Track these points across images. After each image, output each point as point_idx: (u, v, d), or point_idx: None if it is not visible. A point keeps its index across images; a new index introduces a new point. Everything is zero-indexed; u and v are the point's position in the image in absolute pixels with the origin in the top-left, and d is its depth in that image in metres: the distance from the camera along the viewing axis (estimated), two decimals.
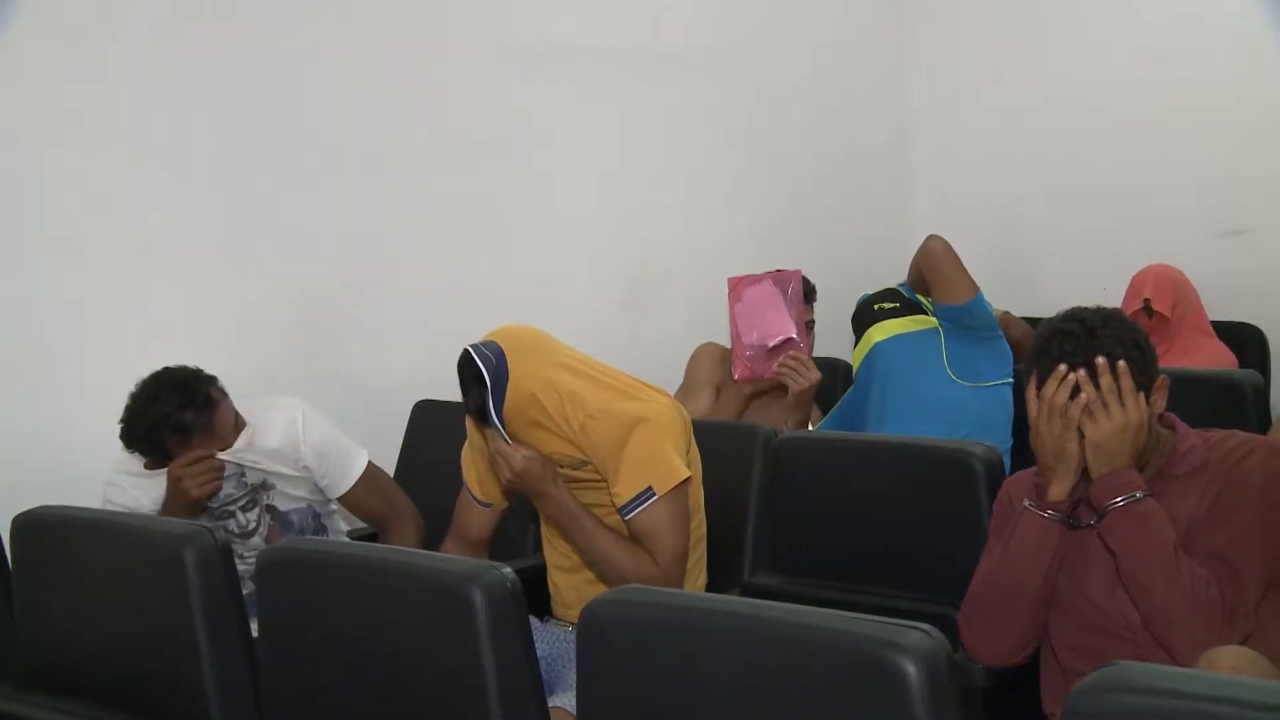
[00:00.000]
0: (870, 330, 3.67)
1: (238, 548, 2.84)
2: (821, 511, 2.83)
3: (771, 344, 3.57)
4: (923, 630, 1.54)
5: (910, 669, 1.50)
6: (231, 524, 2.91)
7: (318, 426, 2.97)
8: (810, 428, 3.65)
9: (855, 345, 3.78)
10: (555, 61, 3.99)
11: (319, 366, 3.45)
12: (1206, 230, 4.52)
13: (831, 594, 2.68)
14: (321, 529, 3.00)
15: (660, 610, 1.75)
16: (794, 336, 3.57)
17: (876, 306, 3.69)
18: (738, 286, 3.66)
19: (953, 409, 3.49)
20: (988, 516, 2.43)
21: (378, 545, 2.84)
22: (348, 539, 3.10)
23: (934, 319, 3.64)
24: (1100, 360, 2.14)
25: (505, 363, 2.56)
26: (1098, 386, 2.14)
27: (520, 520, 3.05)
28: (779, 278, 3.64)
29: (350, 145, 3.55)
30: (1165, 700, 1.36)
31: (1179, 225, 4.57)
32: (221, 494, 2.89)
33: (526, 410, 2.56)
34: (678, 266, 4.29)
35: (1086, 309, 2.24)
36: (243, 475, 2.92)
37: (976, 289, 3.57)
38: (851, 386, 3.79)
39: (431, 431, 3.42)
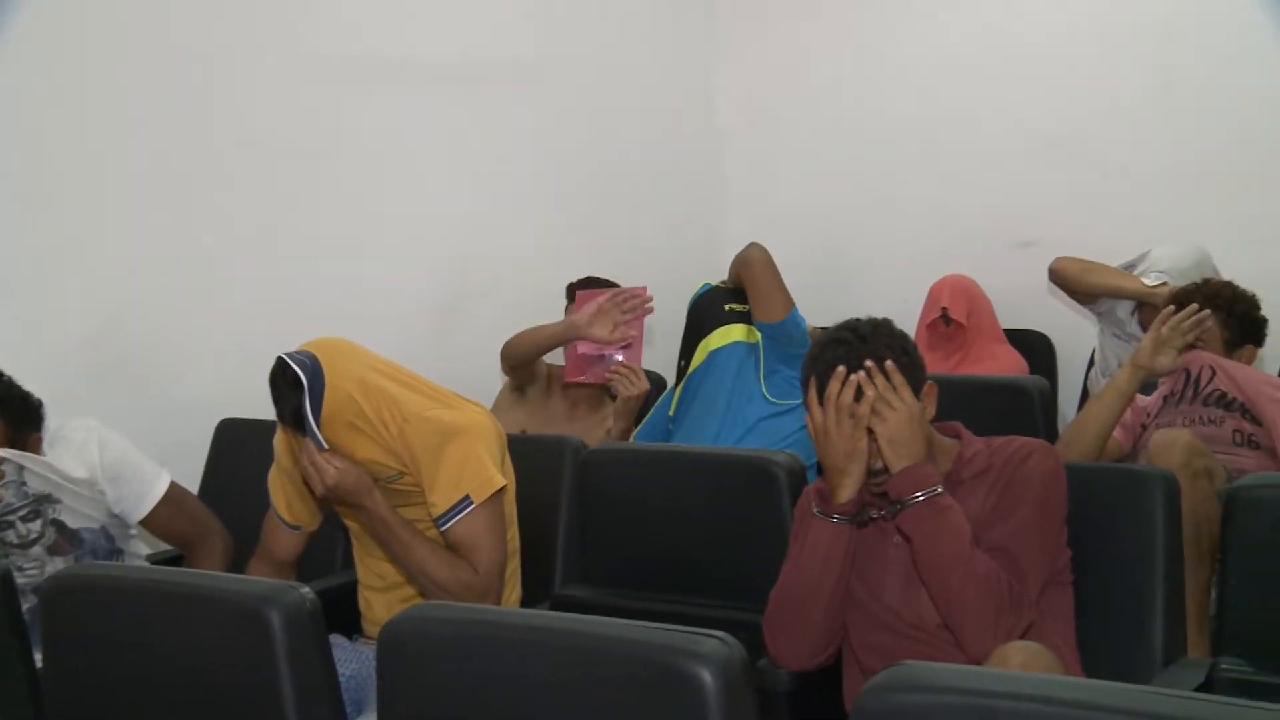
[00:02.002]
0: (716, 331, 3.63)
1: (16, 559, 2.71)
2: (630, 522, 2.85)
3: (607, 352, 3.61)
4: (718, 638, 1.57)
5: (706, 676, 1.52)
6: (10, 534, 2.75)
7: (114, 448, 2.87)
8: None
9: (691, 337, 3.74)
10: (374, 73, 3.94)
11: (121, 384, 3.33)
12: (998, 242, 4.70)
13: (641, 604, 2.70)
14: (117, 552, 2.88)
15: (460, 626, 1.74)
16: (628, 345, 3.61)
17: (729, 306, 3.67)
18: (582, 299, 3.69)
19: (765, 429, 3.53)
20: (791, 523, 2.49)
21: (171, 569, 2.77)
22: (146, 563, 3.01)
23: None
24: (869, 362, 2.24)
25: (321, 368, 2.51)
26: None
27: (329, 537, 3.00)
28: (620, 292, 3.65)
29: (157, 157, 3.44)
30: (949, 697, 1.41)
31: (973, 237, 4.75)
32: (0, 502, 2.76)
33: (344, 413, 2.52)
34: (496, 278, 4.27)
35: (859, 319, 2.34)
36: (23, 484, 2.79)
37: (792, 305, 3.57)
38: (676, 387, 3.78)
39: (236, 450, 3.34)
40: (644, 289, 3.67)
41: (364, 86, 3.92)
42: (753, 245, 3.60)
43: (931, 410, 2.34)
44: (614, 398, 3.66)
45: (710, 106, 5.29)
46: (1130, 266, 4.11)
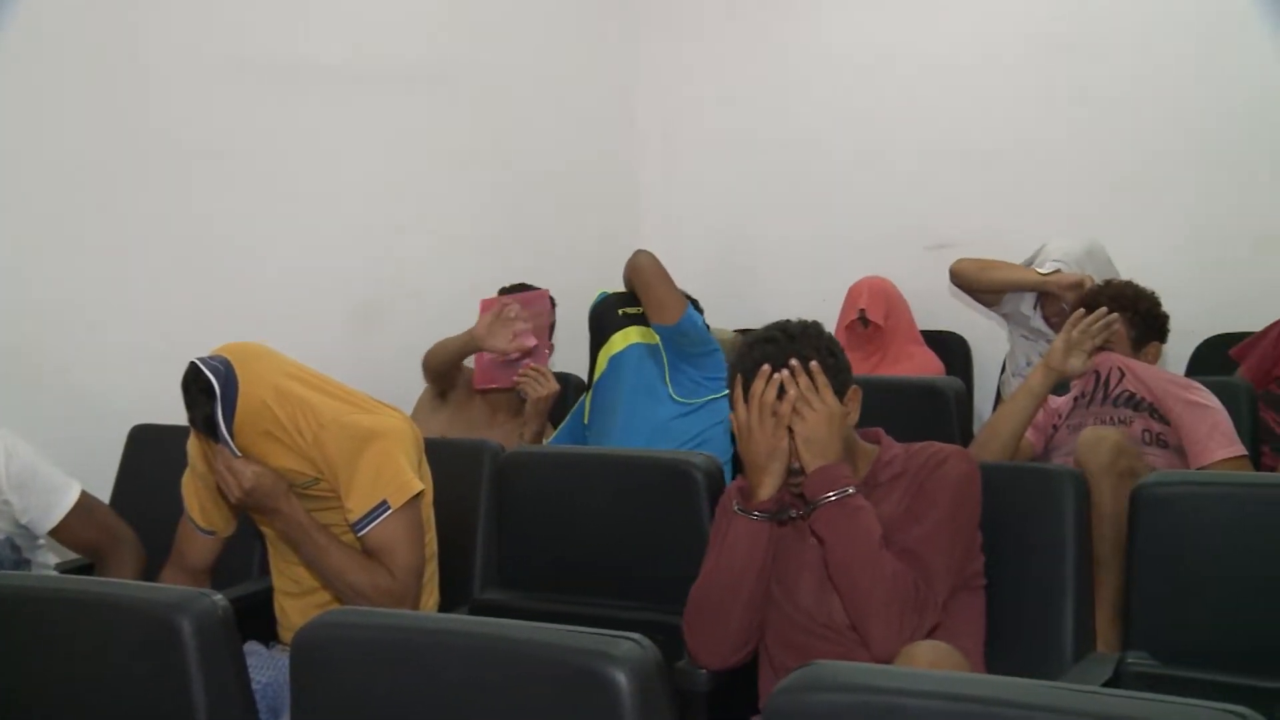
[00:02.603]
0: (615, 337, 3.63)
1: None
2: (549, 525, 2.85)
3: (513, 356, 3.61)
4: (633, 640, 1.57)
5: (621, 678, 1.53)
6: None
7: (20, 457, 2.80)
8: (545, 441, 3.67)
9: (594, 346, 3.74)
10: (286, 78, 3.90)
11: (30, 391, 3.27)
12: (915, 244, 4.76)
13: (560, 607, 2.71)
14: (24, 563, 2.83)
15: (375, 631, 1.73)
16: (535, 348, 3.61)
17: (622, 311, 3.67)
18: (486, 306, 3.70)
19: (674, 429, 3.54)
20: (709, 525, 2.50)
21: (80, 578, 2.71)
22: (55, 572, 2.95)
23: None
24: (794, 362, 2.27)
25: (234, 374, 2.49)
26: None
27: (245, 543, 2.97)
28: (524, 297, 3.72)
29: (64, 158, 3.38)
30: (859, 696, 1.43)
31: (891, 239, 4.81)
32: None
33: (258, 420, 2.50)
34: (409, 283, 4.25)
35: (790, 320, 2.37)
36: None
37: (685, 304, 3.57)
38: (586, 394, 3.80)
39: (150, 457, 3.29)
40: (545, 293, 3.69)
41: (279, 88, 3.88)
42: (640, 252, 3.62)
43: (855, 414, 2.37)
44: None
45: (625, 110, 5.30)
46: (1028, 263, 4.18)
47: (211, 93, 3.72)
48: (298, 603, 2.70)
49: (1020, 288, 4.13)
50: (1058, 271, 4.00)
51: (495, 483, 2.93)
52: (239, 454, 2.49)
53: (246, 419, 2.49)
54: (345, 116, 4.10)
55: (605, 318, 3.67)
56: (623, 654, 1.54)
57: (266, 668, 2.59)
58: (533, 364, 3.61)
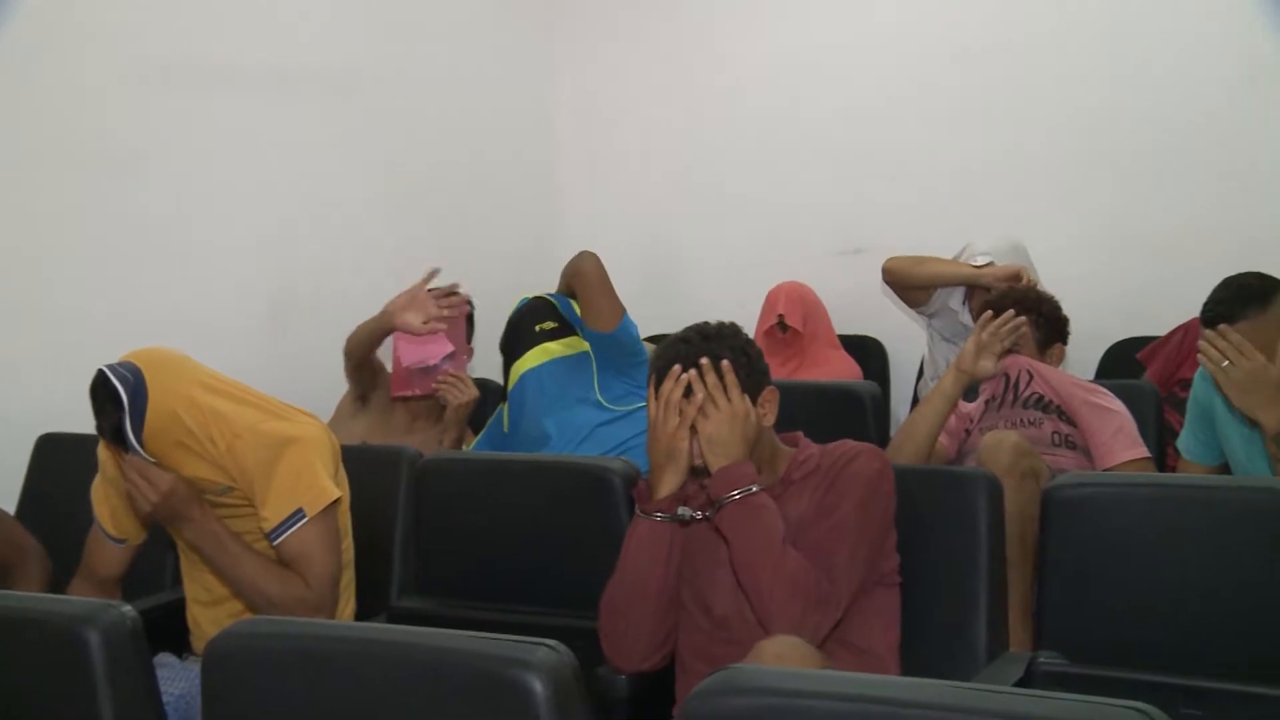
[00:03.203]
0: (526, 355, 3.64)
1: None
2: (468, 532, 2.84)
3: (432, 363, 3.59)
4: (549, 646, 1.57)
5: (536, 685, 1.52)
6: None
7: None
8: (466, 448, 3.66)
9: (506, 357, 3.76)
10: (201, 81, 3.85)
11: None
12: (832, 249, 4.81)
13: (478, 614, 2.69)
14: None
15: (288, 640, 1.71)
16: (452, 355, 3.59)
17: (538, 328, 3.69)
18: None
19: (601, 435, 3.54)
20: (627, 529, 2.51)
21: None
22: None
23: (586, 343, 3.69)
24: (703, 360, 2.29)
25: (144, 382, 2.46)
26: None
27: (158, 553, 2.92)
28: (442, 291, 3.65)
29: None
30: (771, 700, 1.45)
31: (808, 244, 4.85)
32: None
33: (169, 431, 2.46)
34: (325, 288, 4.21)
35: (706, 322, 2.39)
36: None
37: (623, 313, 3.60)
38: (504, 404, 3.81)
39: (58, 467, 3.23)
40: (457, 286, 3.66)
41: (192, 91, 3.83)
42: (585, 255, 3.61)
43: (772, 416, 2.39)
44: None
45: (544, 114, 5.30)
46: (959, 258, 4.23)
47: (123, 96, 3.66)
48: (211, 612, 2.66)
49: (956, 281, 4.12)
50: (990, 263, 4.03)
51: (414, 489, 2.92)
52: (152, 461, 2.46)
53: (156, 429, 2.45)
54: (260, 120, 4.05)
55: (520, 330, 3.67)
56: (538, 660, 1.54)
57: (179, 680, 2.56)
58: (452, 370, 3.59)
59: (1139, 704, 1.30)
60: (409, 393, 3.64)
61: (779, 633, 2.17)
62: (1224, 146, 4.28)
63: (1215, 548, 2.25)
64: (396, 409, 3.77)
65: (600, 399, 3.57)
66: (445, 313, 3.54)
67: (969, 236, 4.27)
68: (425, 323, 3.51)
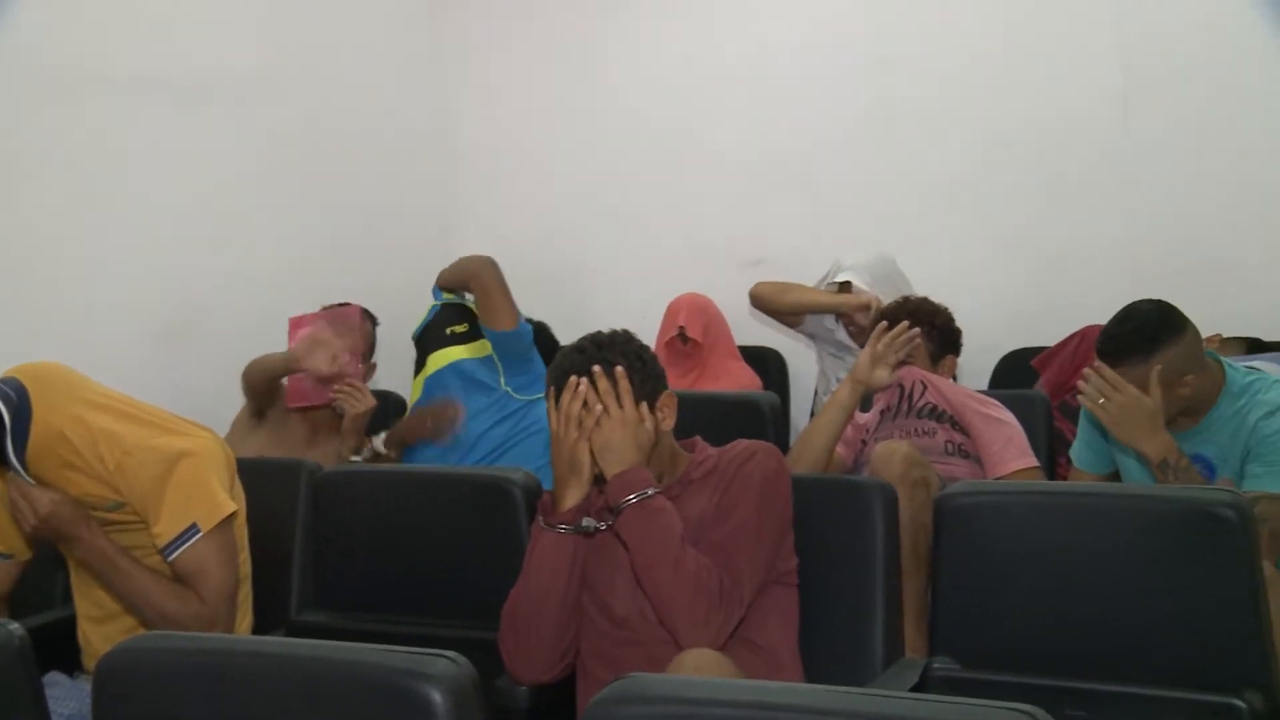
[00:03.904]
0: (433, 356, 3.70)
1: None
2: (368, 544, 2.82)
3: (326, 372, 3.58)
4: (448, 658, 1.57)
5: (435, 696, 1.53)
6: None
7: None
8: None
9: (420, 354, 3.82)
10: (92, 90, 3.77)
11: None
12: (732, 261, 4.84)
13: (379, 627, 2.68)
14: None
15: (181, 656, 1.69)
16: (347, 364, 3.58)
17: (449, 330, 3.72)
18: (296, 324, 3.67)
19: (518, 416, 3.59)
20: (528, 540, 2.51)
21: None
22: None
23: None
24: (595, 368, 2.30)
25: (28, 400, 2.41)
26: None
27: (47, 569, 2.86)
28: (332, 313, 3.68)
29: None
30: (670, 707, 1.47)
31: (708, 256, 4.88)
32: None
33: (55, 450, 2.42)
34: (222, 300, 4.14)
35: (600, 331, 2.40)
36: None
37: (519, 316, 3.65)
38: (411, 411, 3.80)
39: None
40: (355, 308, 3.67)
41: (83, 100, 3.75)
42: (482, 259, 3.67)
43: (670, 420, 2.40)
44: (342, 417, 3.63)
45: (445, 125, 5.28)
46: (825, 278, 4.32)
47: (11, 104, 3.58)
48: (102, 629, 2.61)
49: (815, 309, 4.29)
50: (848, 285, 4.16)
51: (312, 502, 2.89)
52: (32, 483, 2.40)
53: (41, 447, 2.40)
54: (153, 130, 3.97)
55: (429, 337, 3.71)
56: (437, 672, 1.54)
57: (70, 699, 2.51)
58: (350, 380, 3.58)
59: (1024, 706, 1.34)
60: (306, 403, 3.62)
61: (683, 633, 2.19)
62: (1113, 162, 4.40)
63: (1101, 553, 2.31)
64: (293, 421, 3.74)
65: (507, 389, 3.64)
66: (348, 352, 3.56)
67: (868, 248, 4.34)
68: (332, 364, 3.51)
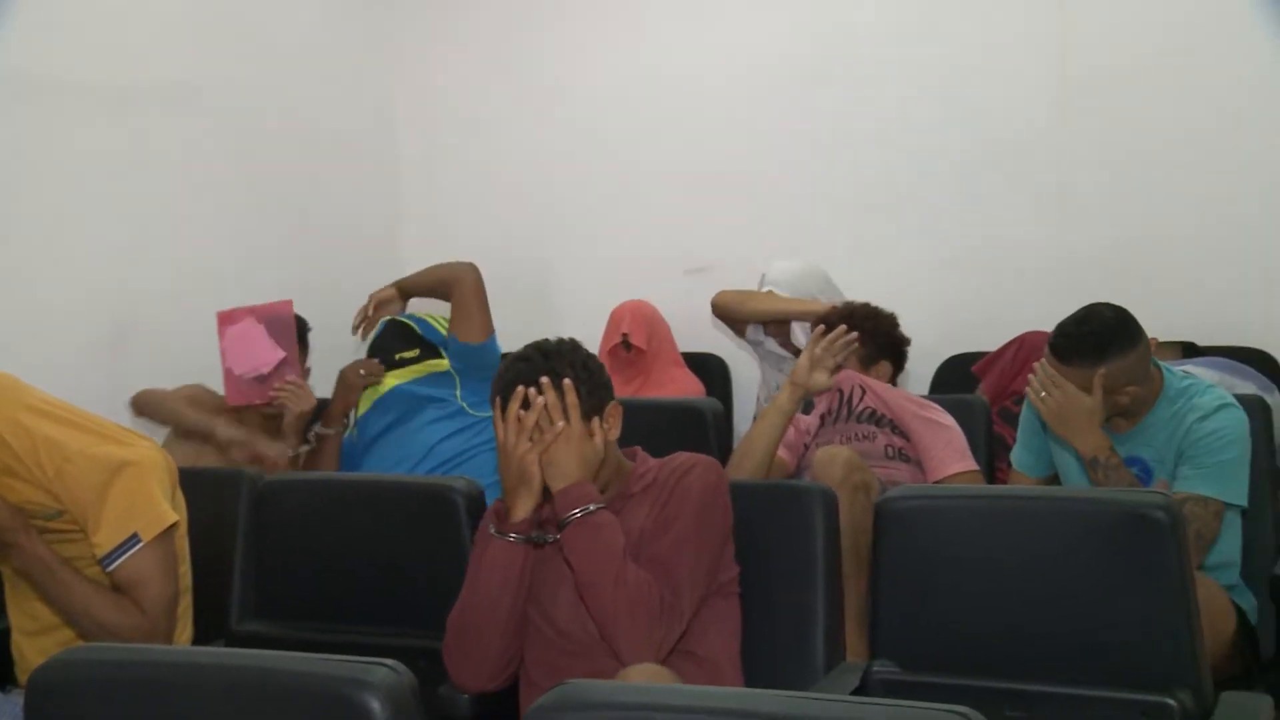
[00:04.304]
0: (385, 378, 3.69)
1: None
2: (309, 553, 2.80)
3: (265, 371, 3.56)
4: (388, 666, 1.57)
5: (375, 705, 1.52)
6: None
7: None
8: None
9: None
10: (26, 95, 3.72)
11: None
12: (675, 268, 4.87)
13: (321, 636, 2.67)
14: None
15: (117, 668, 1.67)
16: (284, 361, 3.56)
17: (398, 356, 3.71)
18: (225, 320, 3.65)
19: (473, 430, 3.57)
20: (471, 549, 2.51)
21: None
22: None
23: (446, 361, 3.69)
24: (544, 378, 2.29)
25: None
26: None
27: None
28: (265, 309, 3.66)
29: None
30: (611, 713, 1.47)
31: (651, 263, 4.90)
32: None
33: None
34: (160, 307, 4.10)
35: (546, 339, 2.40)
36: None
37: (492, 330, 3.65)
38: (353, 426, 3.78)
39: None
40: (289, 301, 3.65)
41: (15, 105, 3.71)
42: (467, 265, 3.69)
43: (616, 430, 2.41)
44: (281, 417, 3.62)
45: (387, 133, 5.26)
46: (758, 288, 4.34)
47: None
48: (37, 641, 2.57)
49: (778, 318, 4.26)
50: (770, 293, 4.20)
51: (254, 511, 2.87)
52: None
53: None
54: (88, 136, 3.93)
55: (381, 354, 3.69)
56: (377, 680, 1.54)
57: (2, 714, 2.47)
58: (290, 378, 3.56)
59: (961, 708, 1.36)
60: (245, 402, 3.59)
61: (624, 649, 2.20)
62: (1047, 170, 4.47)
63: (1038, 556, 2.33)
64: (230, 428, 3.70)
65: (463, 404, 3.62)
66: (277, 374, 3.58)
67: (793, 258, 4.37)
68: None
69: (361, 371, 3.63)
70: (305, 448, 3.56)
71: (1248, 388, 3.50)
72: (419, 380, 3.66)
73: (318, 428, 3.62)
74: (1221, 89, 4.24)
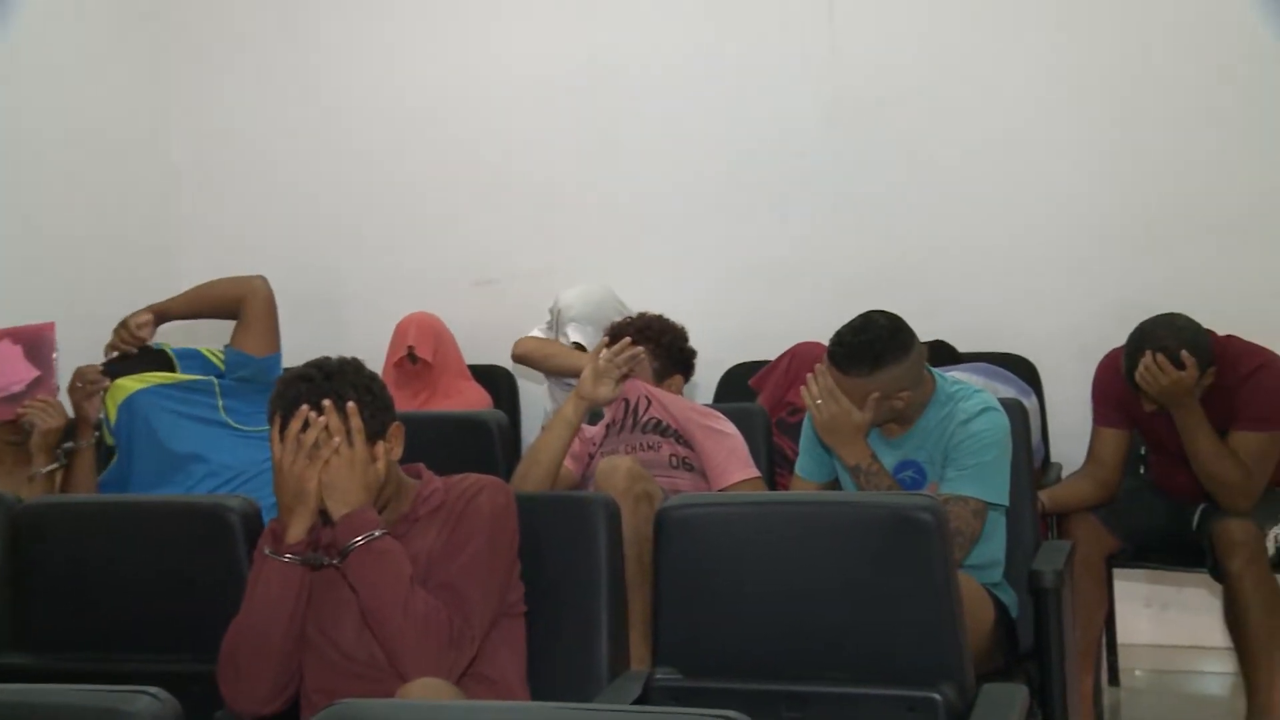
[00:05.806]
0: (124, 380, 3.51)
1: None
2: (73, 580, 2.67)
3: (16, 390, 3.45)
4: (150, 694, 1.52)
5: None
6: None
7: None
8: None
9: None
10: None
11: None
12: (461, 280, 4.84)
13: (89, 666, 2.52)
14: None
15: None
16: (38, 380, 3.43)
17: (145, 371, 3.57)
18: None
19: (248, 457, 3.48)
20: (248, 569, 2.44)
21: None
22: None
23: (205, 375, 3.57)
24: (327, 401, 2.26)
25: None
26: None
27: None
28: (25, 330, 3.52)
29: None
30: None
31: (437, 275, 4.86)
32: None
33: None
34: None
35: (327, 358, 2.36)
36: None
37: (278, 348, 3.57)
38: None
39: None
40: (50, 325, 3.51)
41: None
42: (256, 279, 3.62)
43: (398, 450, 2.38)
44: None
45: (161, 141, 5.09)
46: (552, 320, 4.37)
47: None
48: None
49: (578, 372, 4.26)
50: (581, 346, 4.21)
51: (11, 538, 2.72)
52: None
53: None
54: None
55: (119, 368, 3.56)
56: (137, 710, 1.49)
57: None
58: (41, 396, 3.42)
59: (729, 712, 1.38)
60: None
61: (414, 675, 2.17)
62: (824, 178, 4.60)
63: (813, 559, 2.40)
64: None
65: (227, 419, 3.51)
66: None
67: (586, 289, 4.39)
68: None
69: (79, 384, 3.49)
70: (54, 465, 3.42)
71: (1009, 392, 3.67)
72: (172, 385, 3.51)
73: (67, 444, 3.48)
74: (985, 111, 4.45)
